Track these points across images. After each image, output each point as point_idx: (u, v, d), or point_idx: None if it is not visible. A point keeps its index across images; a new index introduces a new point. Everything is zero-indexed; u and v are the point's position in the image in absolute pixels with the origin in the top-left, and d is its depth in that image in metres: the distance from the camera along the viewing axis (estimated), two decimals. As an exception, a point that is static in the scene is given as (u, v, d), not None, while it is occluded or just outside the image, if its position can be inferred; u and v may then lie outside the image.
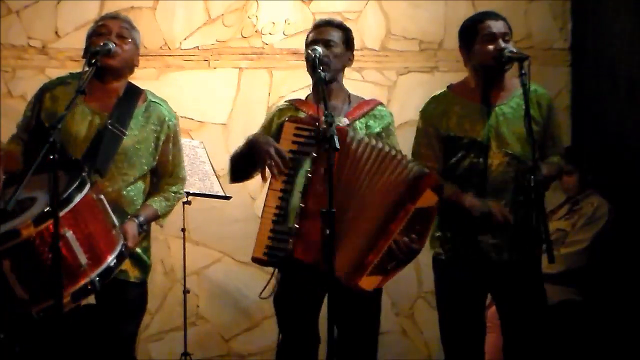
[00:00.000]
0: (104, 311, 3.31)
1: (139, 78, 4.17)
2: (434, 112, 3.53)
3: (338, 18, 3.75)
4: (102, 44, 3.23)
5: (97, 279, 3.02)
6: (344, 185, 3.22)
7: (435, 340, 5.27)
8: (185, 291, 4.80)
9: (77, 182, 3.02)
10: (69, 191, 2.99)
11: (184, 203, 4.73)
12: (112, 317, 3.31)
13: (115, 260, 3.09)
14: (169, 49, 5.25)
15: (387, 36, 5.33)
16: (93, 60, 3.17)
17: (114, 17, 3.44)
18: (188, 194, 4.61)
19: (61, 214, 2.91)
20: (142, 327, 5.18)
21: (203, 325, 5.26)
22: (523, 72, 3.25)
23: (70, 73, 3.49)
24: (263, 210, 3.25)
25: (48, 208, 2.90)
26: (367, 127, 3.44)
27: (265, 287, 3.37)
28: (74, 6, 5.16)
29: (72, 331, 3.18)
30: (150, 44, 5.20)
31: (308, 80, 3.59)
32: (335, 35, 3.48)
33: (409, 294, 5.32)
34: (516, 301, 3.44)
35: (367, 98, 3.57)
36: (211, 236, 5.18)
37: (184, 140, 4.85)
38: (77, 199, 3.00)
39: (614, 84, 4.85)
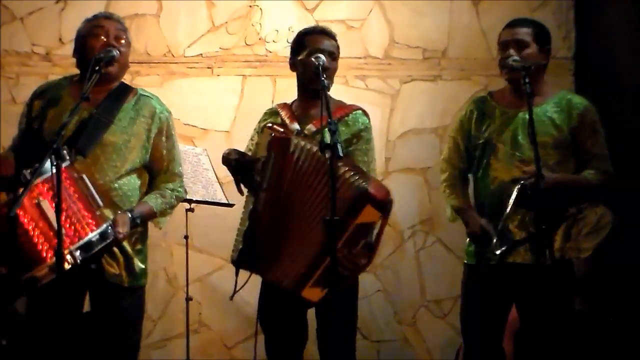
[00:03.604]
0: (100, 319, 3.29)
1: (143, 85, 4.21)
2: (464, 113, 3.67)
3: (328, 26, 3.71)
4: (106, 50, 3.22)
5: (78, 252, 3.05)
6: (286, 195, 3.29)
7: (437, 349, 5.29)
8: (188, 298, 4.79)
9: (51, 156, 2.97)
10: (42, 162, 2.97)
11: (186, 210, 4.73)
12: (108, 326, 3.29)
13: (98, 237, 3.11)
14: (173, 56, 5.25)
15: (390, 44, 5.34)
16: (97, 67, 3.15)
17: (109, 17, 3.38)
18: (191, 201, 4.61)
19: (35, 181, 2.97)
20: (145, 335, 5.19)
21: (205, 332, 5.25)
22: (526, 81, 3.27)
23: (64, 77, 3.49)
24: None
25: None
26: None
27: (235, 290, 3.41)
28: (78, 13, 5.12)
29: (72, 339, 3.20)
30: (154, 51, 5.21)
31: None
32: (335, 47, 3.55)
33: (411, 302, 5.32)
34: (534, 306, 3.44)
35: (354, 104, 3.61)
36: (214, 243, 5.17)
37: (187, 148, 4.87)
38: (52, 170, 2.94)
39: (617, 92, 4.84)
